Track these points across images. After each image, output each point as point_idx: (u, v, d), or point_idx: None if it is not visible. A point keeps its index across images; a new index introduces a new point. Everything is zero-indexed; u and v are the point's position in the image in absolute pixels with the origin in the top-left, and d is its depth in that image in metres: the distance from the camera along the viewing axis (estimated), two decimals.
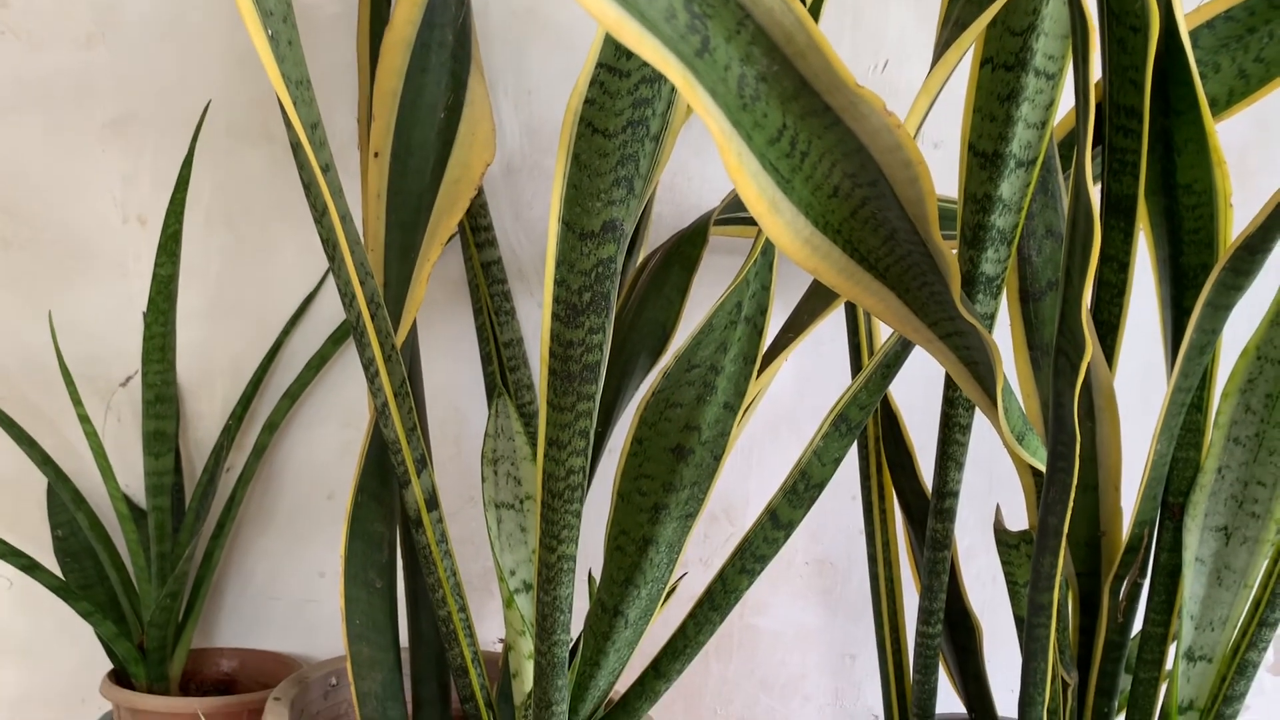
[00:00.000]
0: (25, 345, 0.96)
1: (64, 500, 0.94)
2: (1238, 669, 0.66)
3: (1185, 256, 0.63)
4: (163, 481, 0.92)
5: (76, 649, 1.00)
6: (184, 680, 0.98)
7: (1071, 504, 0.56)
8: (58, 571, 0.95)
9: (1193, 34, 0.65)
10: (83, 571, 0.95)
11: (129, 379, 0.98)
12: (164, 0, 0.93)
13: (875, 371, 0.60)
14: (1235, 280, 0.57)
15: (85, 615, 0.89)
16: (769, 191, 0.38)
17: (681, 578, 0.69)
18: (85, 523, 0.92)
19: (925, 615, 0.74)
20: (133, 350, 0.97)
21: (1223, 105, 0.66)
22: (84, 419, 0.89)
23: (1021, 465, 0.71)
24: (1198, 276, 0.63)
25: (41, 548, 0.96)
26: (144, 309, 0.87)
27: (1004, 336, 0.71)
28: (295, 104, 0.53)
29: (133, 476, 0.97)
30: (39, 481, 0.97)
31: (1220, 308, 0.59)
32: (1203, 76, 0.65)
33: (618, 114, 0.49)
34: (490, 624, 1.02)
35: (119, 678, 0.94)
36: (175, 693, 0.95)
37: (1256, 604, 0.65)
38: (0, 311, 0.96)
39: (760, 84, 0.36)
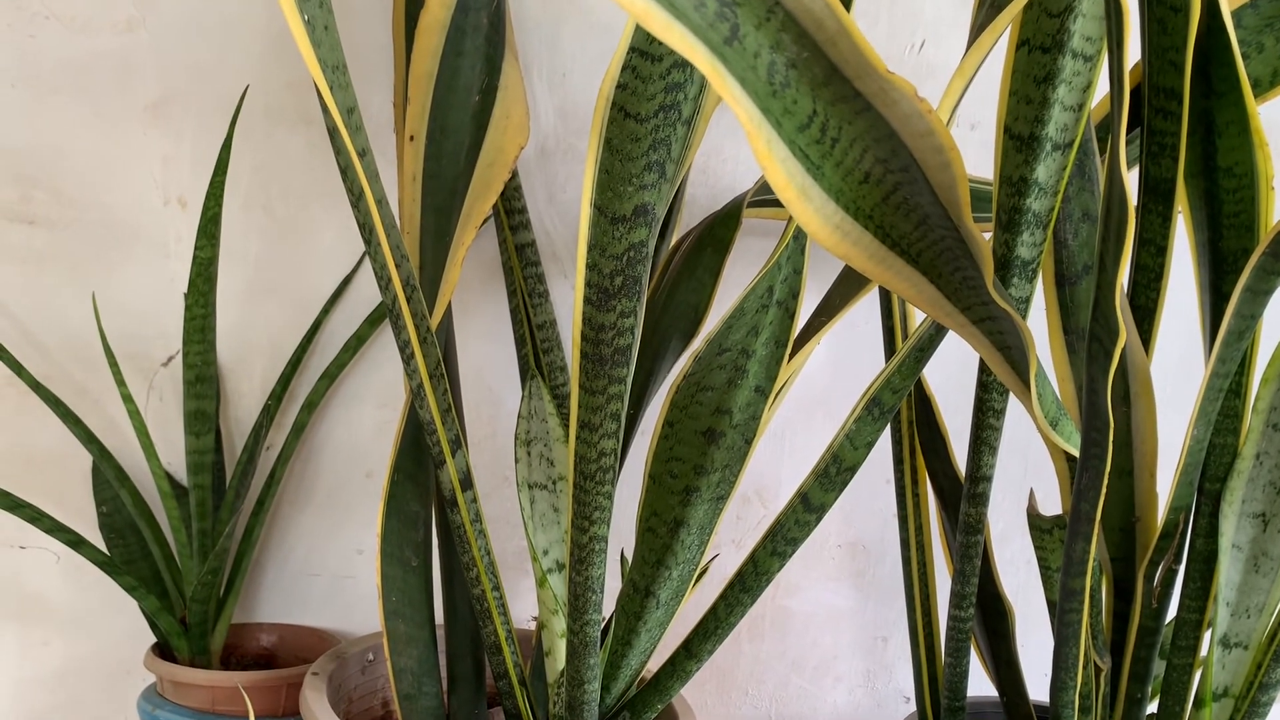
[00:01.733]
0: (70, 325, 0.98)
1: (108, 477, 0.95)
2: (1274, 656, 0.65)
3: (1225, 240, 0.62)
4: (204, 460, 0.93)
5: (121, 622, 1.02)
6: (225, 654, 1.00)
7: (1105, 490, 0.55)
8: (103, 547, 0.97)
9: (1236, 13, 0.64)
10: (127, 547, 0.97)
11: (170, 359, 0.99)
12: None
13: (908, 355, 0.60)
14: (1275, 265, 0.57)
15: (129, 590, 0.90)
16: (798, 178, 0.38)
17: (713, 559, 0.70)
18: (129, 500, 0.94)
19: (957, 599, 0.74)
20: (174, 330, 0.98)
21: (1266, 86, 0.65)
22: (127, 398, 0.91)
23: (1055, 450, 0.71)
24: (1237, 261, 0.62)
25: (87, 523, 0.98)
26: (185, 290, 0.88)
27: (1039, 320, 0.71)
28: (332, 89, 0.54)
29: (174, 454, 0.99)
30: (84, 458, 0.99)
31: (1260, 293, 0.58)
32: (1246, 57, 0.64)
33: (650, 98, 0.49)
34: (525, 602, 1.03)
35: (162, 651, 0.96)
36: (216, 666, 0.97)
37: None
38: (45, 291, 0.97)
39: (790, 71, 0.36)
